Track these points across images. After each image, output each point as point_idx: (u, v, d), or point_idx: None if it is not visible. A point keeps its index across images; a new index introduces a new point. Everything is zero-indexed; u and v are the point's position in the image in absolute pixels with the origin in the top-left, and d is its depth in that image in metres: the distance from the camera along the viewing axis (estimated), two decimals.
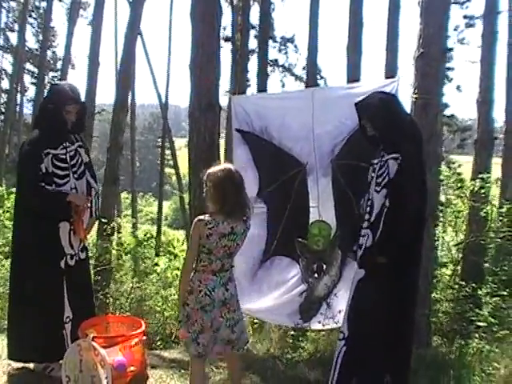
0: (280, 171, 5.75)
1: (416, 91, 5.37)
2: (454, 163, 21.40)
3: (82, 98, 4.81)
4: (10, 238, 5.12)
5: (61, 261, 4.35)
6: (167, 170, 35.64)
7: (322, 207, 5.55)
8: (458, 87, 22.92)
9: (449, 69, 26.48)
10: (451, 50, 14.56)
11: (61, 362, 4.04)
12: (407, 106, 5.64)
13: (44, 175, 4.26)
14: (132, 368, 3.67)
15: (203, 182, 3.89)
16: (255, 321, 6.77)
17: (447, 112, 27.39)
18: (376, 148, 4.36)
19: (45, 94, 4.43)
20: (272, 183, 5.79)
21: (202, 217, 3.82)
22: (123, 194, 35.24)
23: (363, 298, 4.16)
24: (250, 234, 6.14)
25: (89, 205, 4.55)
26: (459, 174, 9.38)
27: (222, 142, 5.85)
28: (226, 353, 4.05)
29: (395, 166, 4.05)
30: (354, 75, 10.62)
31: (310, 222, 5.66)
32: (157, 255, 9.53)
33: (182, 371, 4.61)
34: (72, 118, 4.44)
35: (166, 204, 38.42)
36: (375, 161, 4.32)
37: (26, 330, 4.21)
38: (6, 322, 4.60)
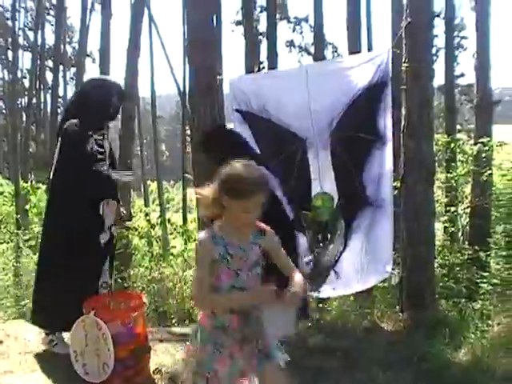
0: (280, 147, 5.85)
1: (406, 60, 5.41)
2: None
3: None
4: (39, 231, 5.06)
5: (100, 235, 4.43)
6: None
7: (322, 179, 5.69)
8: (474, 55, 22.41)
9: (463, 37, 26.23)
10: (438, 15, 14.36)
11: (63, 334, 4.36)
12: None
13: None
14: (134, 340, 3.82)
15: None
16: None
17: (464, 81, 27.03)
18: None
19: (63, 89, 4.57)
20: (273, 159, 5.92)
21: None
22: (152, 184, 35.50)
23: None
24: None
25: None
26: (458, 140, 9.30)
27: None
28: None
29: None
30: (354, 48, 10.72)
31: (313, 194, 5.78)
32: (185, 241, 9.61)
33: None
34: (113, 110, 4.74)
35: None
36: None
37: (58, 301, 4.20)
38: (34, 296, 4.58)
